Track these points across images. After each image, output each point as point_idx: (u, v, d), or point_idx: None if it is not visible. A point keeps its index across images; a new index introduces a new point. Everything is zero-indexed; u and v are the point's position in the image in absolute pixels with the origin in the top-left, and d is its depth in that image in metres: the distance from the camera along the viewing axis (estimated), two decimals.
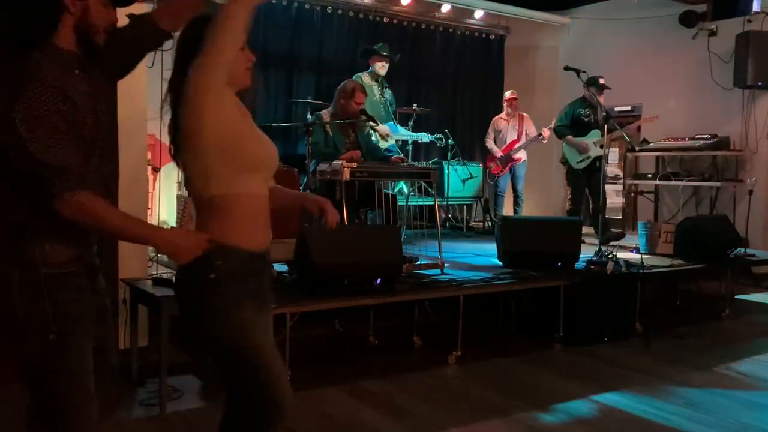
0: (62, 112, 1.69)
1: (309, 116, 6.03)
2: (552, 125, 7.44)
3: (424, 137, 7.23)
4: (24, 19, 1.69)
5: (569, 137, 6.62)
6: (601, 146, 6.35)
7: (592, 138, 6.59)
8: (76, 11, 1.75)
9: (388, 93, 6.85)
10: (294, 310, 3.67)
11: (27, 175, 1.69)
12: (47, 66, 1.70)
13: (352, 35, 8.03)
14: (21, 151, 1.64)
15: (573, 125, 6.64)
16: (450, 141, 7.41)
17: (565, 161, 6.82)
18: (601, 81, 6.52)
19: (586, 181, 6.68)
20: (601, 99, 6.54)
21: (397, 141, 6.87)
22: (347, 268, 3.82)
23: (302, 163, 5.38)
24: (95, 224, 1.77)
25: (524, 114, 7.75)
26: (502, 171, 7.68)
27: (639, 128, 6.55)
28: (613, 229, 6.70)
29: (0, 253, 1.78)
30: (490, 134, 7.79)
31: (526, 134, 7.60)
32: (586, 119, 6.59)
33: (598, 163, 6.40)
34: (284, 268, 4.36)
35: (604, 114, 6.03)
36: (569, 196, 6.83)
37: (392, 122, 6.85)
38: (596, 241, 5.72)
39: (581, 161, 6.64)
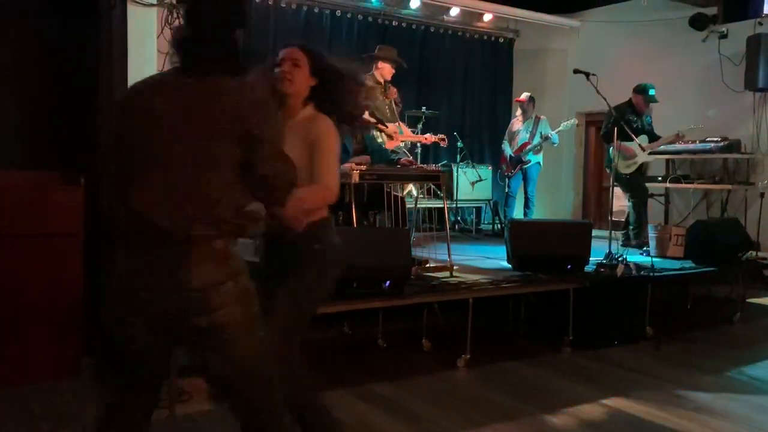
0: None
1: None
2: (559, 129, 7.44)
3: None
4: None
5: (617, 143, 6.32)
6: (649, 153, 6.46)
7: (639, 143, 6.49)
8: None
9: (392, 92, 6.83)
10: None
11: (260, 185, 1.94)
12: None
13: (362, 38, 8.04)
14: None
15: (620, 131, 6.54)
16: (459, 144, 7.40)
17: (609, 166, 6.57)
18: (651, 92, 6.48)
19: (640, 185, 6.65)
20: (647, 108, 6.62)
21: (404, 143, 6.86)
22: (356, 270, 3.81)
23: None
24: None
25: (541, 116, 7.71)
26: (512, 172, 7.66)
27: (680, 136, 6.52)
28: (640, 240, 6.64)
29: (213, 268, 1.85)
30: (507, 137, 7.82)
31: (540, 136, 7.57)
32: (634, 124, 6.49)
33: (644, 168, 6.53)
34: None
35: (649, 120, 6.29)
36: (634, 203, 6.64)
37: (397, 124, 6.83)
38: (605, 244, 5.68)
39: (629, 166, 6.57)
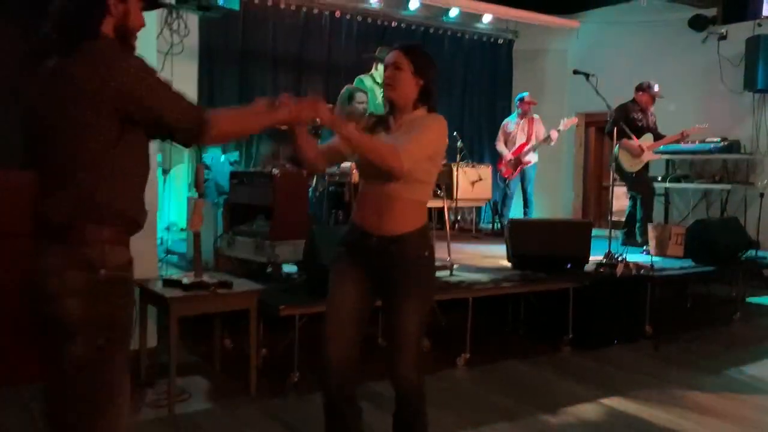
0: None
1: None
2: (561, 127, 7.42)
3: None
4: (73, 14, 1.81)
5: (623, 141, 6.39)
6: (654, 151, 6.49)
7: (646, 141, 6.50)
8: (117, 13, 1.89)
9: None
10: (303, 312, 3.67)
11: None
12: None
13: (361, 39, 8.05)
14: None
15: (623, 129, 6.43)
16: (459, 143, 7.40)
17: (617, 165, 6.52)
18: (656, 89, 6.46)
19: (647, 183, 6.65)
20: (651, 109, 6.61)
21: None
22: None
23: None
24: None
25: (535, 116, 7.72)
26: (512, 174, 7.66)
27: (685, 135, 6.51)
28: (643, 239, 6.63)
29: (48, 254, 1.78)
30: (500, 137, 7.77)
31: (535, 136, 7.58)
32: (639, 123, 6.49)
33: (648, 164, 6.54)
34: (294, 269, 4.37)
35: (653, 119, 6.35)
36: (642, 199, 6.59)
37: None
38: (605, 243, 5.68)
39: (635, 165, 6.53)
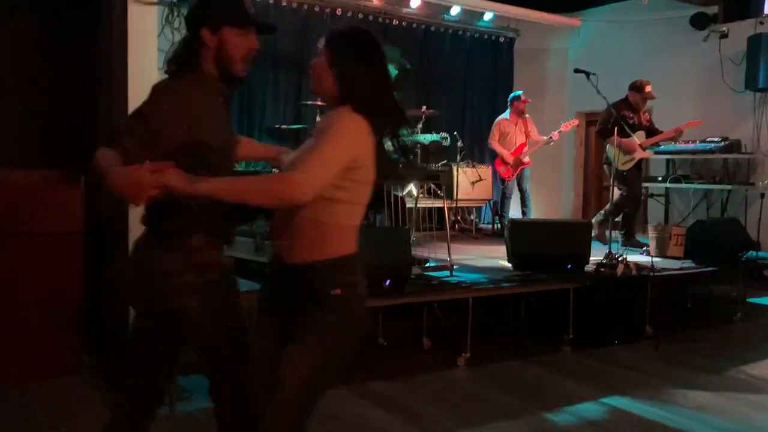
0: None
1: (318, 118, 6.04)
2: (561, 129, 7.42)
3: (427, 138, 7.20)
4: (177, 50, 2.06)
5: (615, 138, 6.29)
6: (644, 148, 6.50)
7: (637, 138, 6.49)
8: (213, 45, 1.99)
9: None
10: None
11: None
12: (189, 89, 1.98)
13: None
14: None
15: (619, 127, 6.42)
16: (459, 143, 7.40)
17: (608, 162, 6.62)
18: (648, 89, 6.46)
19: (638, 182, 6.66)
20: (644, 107, 6.63)
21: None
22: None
23: None
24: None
25: (526, 116, 7.72)
26: (513, 175, 7.63)
27: (679, 132, 6.50)
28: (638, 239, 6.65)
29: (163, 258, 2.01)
30: (495, 135, 7.63)
31: (530, 136, 7.57)
32: (630, 121, 6.48)
33: (642, 165, 6.60)
34: None
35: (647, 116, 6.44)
36: (623, 196, 6.57)
37: None
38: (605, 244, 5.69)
39: (626, 162, 6.54)
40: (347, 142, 1.87)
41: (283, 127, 6.63)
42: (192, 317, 2.01)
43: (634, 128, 6.48)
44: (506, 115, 7.74)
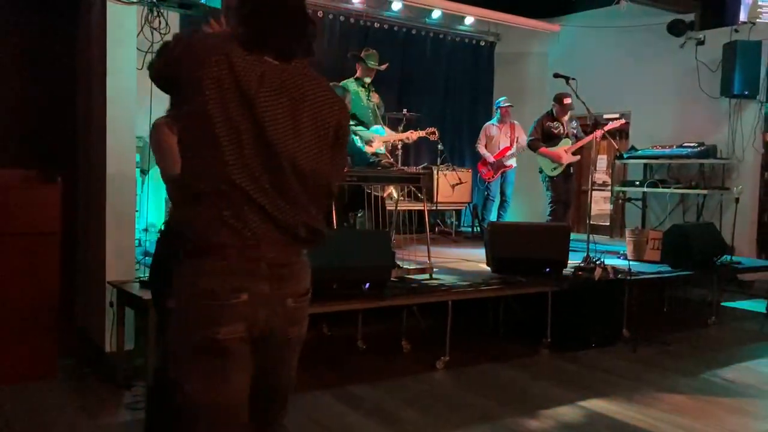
0: None
1: None
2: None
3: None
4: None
5: (542, 149, 6.91)
6: (573, 154, 6.87)
7: (563, 146, 6.86)
8: None
9: (375, 97, 6.86)
10: None
11: None
12: None
13: (343, 39, 8.04)
14: None
15: (544, 137, 6.95)
16: (440, 146, 7.41)
17: (540, 170, 7.08)
18: (566, 101, 6.76)
19: (563, 186, 6.96)
20: (565, 117, 6.95)
21: (387, 144, 6.86)
22: (336, 272, 3.81)
23: None
24: None
25: (515, 122, 7.82)
26: (493, 176, 7.72)
27: (604, 134, 6.64)
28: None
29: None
30: (482, 140, 7.82)
31: (517, 142, 7.66)
32: (555, 131, 6.93)
33: (572, 169, 6.96)
34: None
35: (574, 124, 6.90)
36: (550, 202, 7.00)
37: (380, 126, 6.85)
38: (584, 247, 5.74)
39: (554, 169, 6.91)
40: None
41: None
42: None
43: (560, 137, 6.91)
44: (494, 120, 7.91)
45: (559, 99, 6.85)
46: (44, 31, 4.70)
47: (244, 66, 1.69)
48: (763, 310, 6.21)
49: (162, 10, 5.26)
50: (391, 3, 8.11)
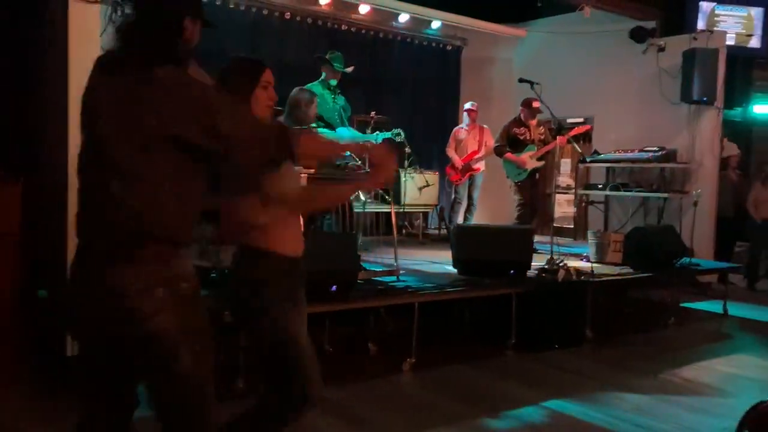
0: None
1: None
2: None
3: (380, 136, 7.23)
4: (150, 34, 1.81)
5: (507, 154, 6.97)
6: (538, 159, 6.92)
7: (528, 152, 6.92)
8: (188, 34, 1.89)
9: (341, 99, 6.86)
10: None
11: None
12: None
13: (311, 42, 8.03)
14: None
15: (510, 143, 7.01)
16: (407, 148, 7.44)
17: (507, 176, 7.14)
18: (535, 105, 6.79)
19: (529, 191, 7.03)
20: (534, 122, 7.01)
21: None
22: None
23: None
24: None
25: (484, 126, 7.88)
26: (461, 179, 7.77)
27: (575, 139, 6.77)
28: None
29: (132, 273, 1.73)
30: (451, 144, 7.86)
31: (485, 146, 7.72)
32: (521, 137, 6.99)
33: (537, 175, 7.02)
34: None
35: (540, 129, 6.95)
36: (517, 206, 7.05)
37: (346, 128, 6.86)
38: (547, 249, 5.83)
39: (519, 174, 6.97)
40: None
41: None
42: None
43: (526, 143, 6.97)
44: (463, 124, 7.97)
45: (527, 103, 6.88)
46: (4, 31, 4.60)
47: None
48: (720, 311, 6.38)
49: (126, 10, 5.19)
50: (358, 6, 8.13)
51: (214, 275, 4.26)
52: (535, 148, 6.93)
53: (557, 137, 6.43)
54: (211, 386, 1.90)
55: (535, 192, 7.13)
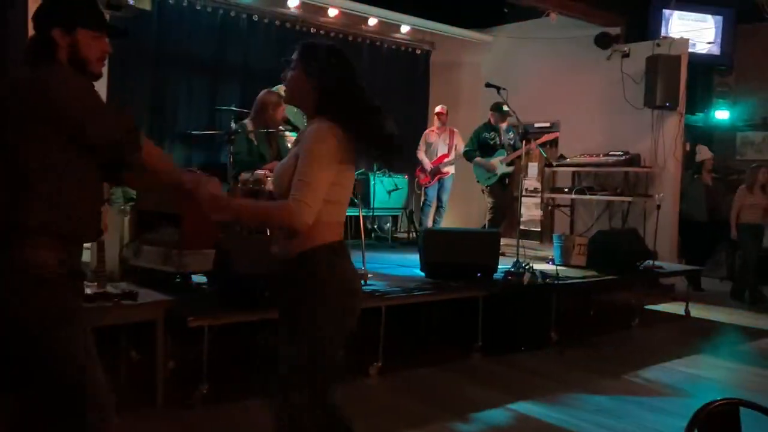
0: None
1: (233, 124, 5.96)
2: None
3: None
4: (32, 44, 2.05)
5: (477, 159, 7.03)
6: (507, 164, 6.97)
7: (498, 157, 6.98)
8: (64, 45, 2.00)
9: None
10: (212, 323, 3.60)
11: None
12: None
13: (279, 44, 7.99)
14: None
15: (480, 148, 7.06)
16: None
17: (477, 180, 7.21)
18: (505, 108, 6.77)
19: (501, 194, 7.07)
20: (504, 125, 7.07)
21: None
22: (268, 278, 3.77)
23: (224, 172, 5.29)
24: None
25: (455, 129, 7.91)
26: (430, 182, 7.81)
27: (542, 144, 6.86)
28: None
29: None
30: (422, 146, 7.90)
31: (455, 149, 7.76)
32: (491, 142, 7.04)
33: (507, 179, 7.06)
34: (204, 279, 4.28)
35: (510, 135, 7.00)
36: (491, 208, 7.10)
37: None
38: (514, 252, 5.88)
39: (489, 179, 7.04)
40: (328, 160, 2.06)
41: (195, 132, 6.48)
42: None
43: (496, 148, 7.02)
44: (433, 127, 7.99)
45: (497, 107, 6.90)
46: None
47: None
48: (683, 313, 6.50)
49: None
50: (327, 9, 8.12)
51: (177, 279, 4.22)
52: (505, 153, 6.98)
53: (524, 142, 6.47)
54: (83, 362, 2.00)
55: (505, 196, 7.18)
